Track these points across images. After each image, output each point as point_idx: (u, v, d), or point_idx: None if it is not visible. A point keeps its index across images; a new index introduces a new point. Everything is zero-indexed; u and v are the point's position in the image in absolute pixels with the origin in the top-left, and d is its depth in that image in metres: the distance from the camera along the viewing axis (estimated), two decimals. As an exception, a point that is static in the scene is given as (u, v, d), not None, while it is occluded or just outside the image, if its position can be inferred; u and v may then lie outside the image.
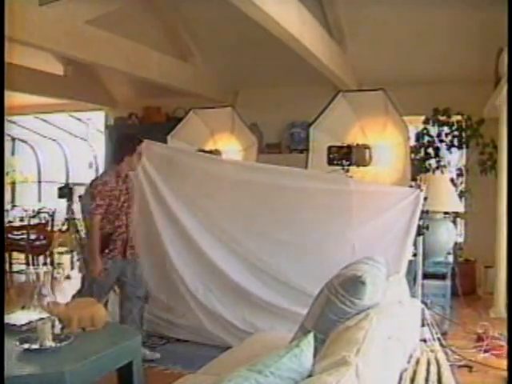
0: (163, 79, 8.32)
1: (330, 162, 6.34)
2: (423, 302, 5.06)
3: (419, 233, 5.08)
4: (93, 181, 5.06)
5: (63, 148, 13.51)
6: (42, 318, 3.41)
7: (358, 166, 6.41)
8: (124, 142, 5.19)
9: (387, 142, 6.53)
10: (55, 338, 3.25)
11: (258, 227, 5.56)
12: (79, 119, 12.47)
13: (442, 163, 8.12)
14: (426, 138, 8.21)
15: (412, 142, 7.63)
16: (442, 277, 6.40)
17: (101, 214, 4.88)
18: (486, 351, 5.41)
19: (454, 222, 7.50)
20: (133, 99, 10.65)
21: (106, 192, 4.90)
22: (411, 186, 5.26)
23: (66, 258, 9.83)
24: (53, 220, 9.66)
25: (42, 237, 9.38)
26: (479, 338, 5.72)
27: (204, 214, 5.73)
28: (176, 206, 5.78)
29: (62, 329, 3.44)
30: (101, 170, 11.73)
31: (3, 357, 2.95)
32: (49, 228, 9.60)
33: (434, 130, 8.21)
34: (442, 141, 8.15)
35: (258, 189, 5.57)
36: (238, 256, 5.57)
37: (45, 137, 13.30)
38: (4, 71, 4.24)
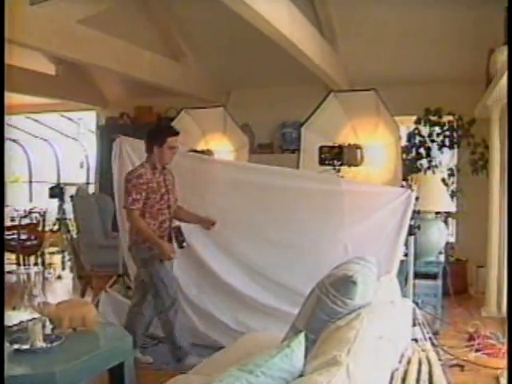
0: (155, 79, 8.30)
1: (322, 162, 6.35)
2: (414, 302, 5.06)
3: (411, 233, 5.08)
4: (127, 174, 4.85)
5: (54, 148, 13.47)
6: (33, 319, 3.40)
7: (350, 166, 6.42)
8: (153, 132, 4.94)
9: (378, 142, 6.55)
10: (46, 338, 3.24)
11: (250, 227, 5.56)
12: (70, 119, 12.44)
13: (434, 163, 8.14)
14: (418, 138, 8.24)
15: (403, 142, 7.66)
16: (434, 276, 6.42)
17: (138, 208, 4.71)
18: (477, 350, 5.42)
19: (446, 222, 7.52)
20: (124, 99, 10.63)
21: (141, 185, 4.71)
22: (402, 186, 5.26)
23: (57, 258, 9.80)
24: (44, 220, 9.65)
25: (33, 237, 9.38)
26: (471, 337, 5.73)
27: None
28: None
29: (53, 329, 3.43)
30: (92, 170, 11.68)
31: (3, 357, 2.95)
32: (40, 228, 9.58)
33: (425, 130, 8.24)
34: (433, 141, 8.18)
35: (250, 189, 5.56)
36: (230, 256, 5.57)
37: (36, 137, 13.27)
38: (4, 72, 4.21)
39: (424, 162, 8.13)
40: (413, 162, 8.03)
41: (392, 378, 2.39)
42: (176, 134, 4.91)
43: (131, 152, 5.81)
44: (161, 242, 4.77)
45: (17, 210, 10.37)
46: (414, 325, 4.73)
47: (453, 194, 7.81)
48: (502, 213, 6.84)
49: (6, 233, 9.40)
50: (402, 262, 5.08)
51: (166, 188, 4.93)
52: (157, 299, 4.93)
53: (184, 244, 4.98)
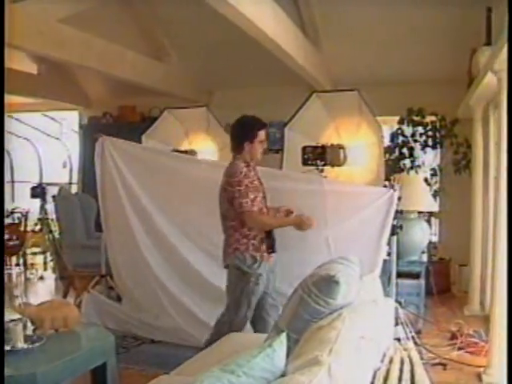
0: (138, 78, 8.27)
1: (305, 162, 6.35)
2: (397, 301, 5.09)
3: (393, 232, 5.11)
4: (232, 177, 4.38)
5: (37, 148, 13.37)
6: (14, 320, 3.37)
7: (333, 166, 6.43)
8: (243, 127, 4.56)
9: (361, 142, 6.56)
10: (27, 339, 3.21)
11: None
12: (53, 118, 12.35)
13: (417, 163, 8.18)
14: (401, 138, 8.27)
15: (386, 142, 7.69)
16: (417, 276, 6.46)
17: (259, 207, 4.38)
18: (460, 349, 5.46)
19: (429, 222, 7.57)
20: (107, 98, 10.58)
21: (251, 185, 4.38)
22: (385, 186, 5.28)
23: (39, 259, 9.74)
24: (26, 220, 9.57)
25: (14, 237, 9.28)
26: (453, 336, 5.77)
27: (178, 213, 5.72)
28: (149, 205, 5.76)
29: (34, 330, 3.40)
30: (75, 170, 11.60)
31: (3, 356, 2.92)
32: (22, 228, 9.51)
33: (408, 130, 8.26)
34: (416, 141, 8.21)
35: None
36: (212, 256, 5.56)
37: (19, 137, 13.16)
38: (4, 73, 4.18)
39: (407, 161, 8.16)
40: (396, 161, 8.06)
41: (374, 377, 2.40)
42: (265, 125, 4.60)
43: (113, 152, 5.79)
44: (292, 218, 4.55)
45: (-3, 210, 10.28)
46: (397, 324, 4.75)
47: (435, 194, 7.85)
48: (485, 212, 6.88)
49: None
50: (384, 261, 5.10)
51: (263, 187, 4.61)
52: (231, 311, 4.53)
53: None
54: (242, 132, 4.53)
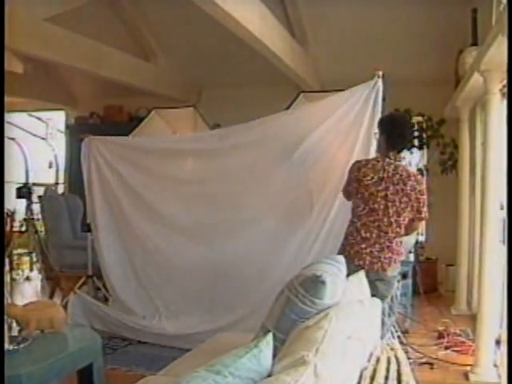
0: (125, 78, 8.26)
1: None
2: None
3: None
4: (421, 185, 4.37)
5: (22, 147, 13.28)
6: (-1, 321, 3.35)
7: (321, 166, 6.42)
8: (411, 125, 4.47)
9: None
10: (12, 340, 3.19)
11: (223, 228, 5.56)
12: (39, 118, 12.28)
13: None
14: (387, 138, 8.27)
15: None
16: (404, 275, 6.46)
17: None
18: (446, 348, 5.48)
19: (415, 222, 7.57)
20: (94, 98, 10.53)
21: None
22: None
23: (25, 260, 9.68)
24: (12, 221, 9.51)
25: (0, 238, 9.23)
26: (440, 335, 5.79)
27: (166, 217, 5.71)
28: (146, 199, 5.75)
29: (20, 331, 3.38)
30: (61, 170, 11.54)
31: (3, 355, 2.91)
32: (8, 228, 9.45)
33: (394, 131, 8.27)
34: (402, 141, 8.22)
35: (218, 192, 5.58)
36: (199, 258, 5.56)
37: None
38: (4, 74, 4.15)
39: (393, 162, 8.17)
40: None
41: (361, 377, 2.39)
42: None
43: (103, 150, 5.77)
44: None
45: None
46: (383, 324, 4.75)
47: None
48: (472, 212, 6.90)
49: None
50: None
51: None
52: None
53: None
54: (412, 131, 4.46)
